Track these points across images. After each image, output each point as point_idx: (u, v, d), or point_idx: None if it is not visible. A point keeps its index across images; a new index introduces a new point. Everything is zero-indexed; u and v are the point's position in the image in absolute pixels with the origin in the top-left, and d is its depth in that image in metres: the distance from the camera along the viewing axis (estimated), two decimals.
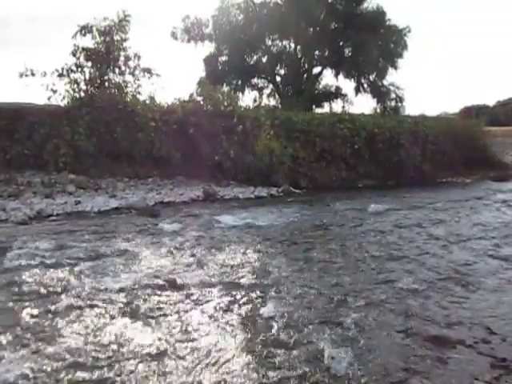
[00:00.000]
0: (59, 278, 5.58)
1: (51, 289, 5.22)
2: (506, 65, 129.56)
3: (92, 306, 4.78)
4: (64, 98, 14.15)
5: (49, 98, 13.93)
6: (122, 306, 4.82)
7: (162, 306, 4.87)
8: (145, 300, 5.00)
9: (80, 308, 4.73)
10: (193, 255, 6.80)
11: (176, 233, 8.27)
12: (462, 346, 4.10)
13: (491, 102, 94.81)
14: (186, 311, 4.76)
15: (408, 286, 5.62)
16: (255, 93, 26.48)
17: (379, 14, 23.76)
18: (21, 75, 13.52)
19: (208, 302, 5.02)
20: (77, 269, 5.96)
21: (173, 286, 5.41)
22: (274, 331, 4.34)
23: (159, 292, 5.24)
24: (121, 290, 5.25)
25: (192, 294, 5.19)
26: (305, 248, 7.53)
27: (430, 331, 4.38)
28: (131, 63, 15.01)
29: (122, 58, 14.89)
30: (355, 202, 12.46)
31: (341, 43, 24.36)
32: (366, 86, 24.70)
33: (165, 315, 4.64)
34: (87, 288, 5.28)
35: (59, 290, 5.20)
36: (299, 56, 25.48)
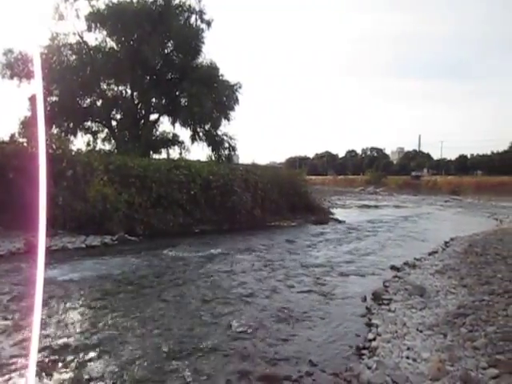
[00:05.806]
0: None
1: None
2: (323, 123, 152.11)
3: None
4: None
5: None
6: None
7: None
8: None
9: None
10: (6, 319, 5.95)
11: None
12: (288, 381, 4.38)
13: (311, 154, 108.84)
14: None
15: (240, 327, 5.85)
16: (89, 136, 25.23)
17: (213, 69, 25.37)
18: None
19: (24, 371, 4.40)
20: None
21: None
22: None
23: None
24: None
25: (5, 365, 4.49)
26: (140, 299, 7.26)
27: (261, 371, 4.60)
28: None
29: None
30: (192, 247, 12.60)
31: (177, 93, 25.08)
32: (201, 134, 25.60)
33: None
34: None
35: None
36: (136, 102, 25.36)
